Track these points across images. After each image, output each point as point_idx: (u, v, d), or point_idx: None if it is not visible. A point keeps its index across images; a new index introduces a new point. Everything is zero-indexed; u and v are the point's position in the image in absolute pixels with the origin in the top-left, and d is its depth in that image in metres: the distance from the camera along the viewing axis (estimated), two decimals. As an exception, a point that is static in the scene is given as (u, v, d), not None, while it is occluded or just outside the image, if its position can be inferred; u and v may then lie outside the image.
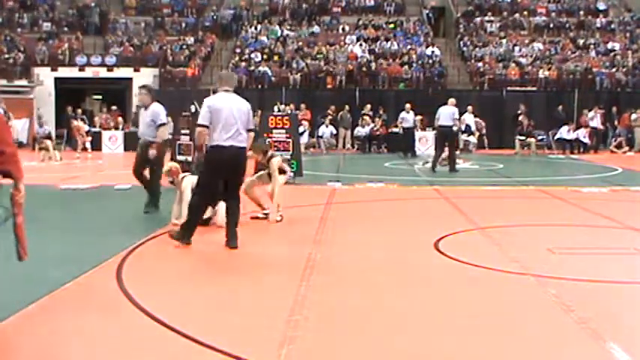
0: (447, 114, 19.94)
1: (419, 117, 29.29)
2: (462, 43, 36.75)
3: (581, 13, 39.60)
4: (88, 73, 33.82)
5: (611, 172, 20.52)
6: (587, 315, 6.02)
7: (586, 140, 29.54)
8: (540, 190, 15.40)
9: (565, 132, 29.63)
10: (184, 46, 35.79)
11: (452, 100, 20.60)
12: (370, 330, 5.71)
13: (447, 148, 20.21)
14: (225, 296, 6.74)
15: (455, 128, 20.63)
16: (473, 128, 29.68)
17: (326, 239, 9.55)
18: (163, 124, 11.77)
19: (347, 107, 30.46)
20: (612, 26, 38.49)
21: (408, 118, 27.79)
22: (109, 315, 6.12)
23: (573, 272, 7.61)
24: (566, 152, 28.99)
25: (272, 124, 16.49)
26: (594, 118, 29.88)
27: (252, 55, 34.26)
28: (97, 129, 30.15)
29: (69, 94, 33.22)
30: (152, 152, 11.43)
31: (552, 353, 5.25)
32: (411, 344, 5.38)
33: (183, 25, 38.54)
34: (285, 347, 5.19)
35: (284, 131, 16.34)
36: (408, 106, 27.91)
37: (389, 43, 35.90)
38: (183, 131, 15.63)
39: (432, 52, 35.15)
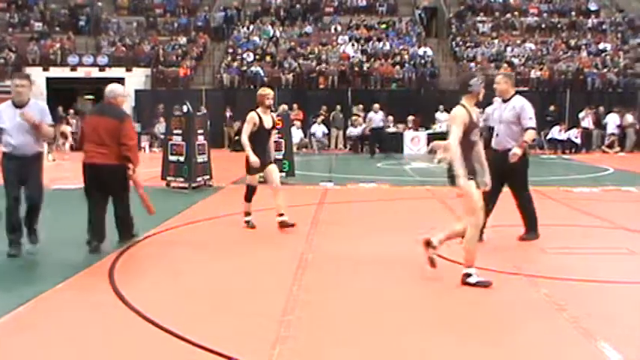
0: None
1: (410, 117, 29.37)
2: (454, 43, 36.77)
3: (573, 13, 39.67)
4: (80, 73, 33.71)
5: (602, 172, 20.57)
6: (579, 314, 6.05)
7: (577, 140, 29.62)
8: (532, 190, 15.38)
9: (557, 132, 29.70)
10: (176, 46, 35.74)
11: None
12: (363, 330, 5.72)
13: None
14: (217, 296, 6.73)
15: None
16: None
17: (318, 239, 9.55)
18: (53, 125, 8.90)
19: (339, 107, 30.49)
20: (604, 27, 38.55)
21: (375, 118, 27.60)
22: (101, 316, 6.11)
23: (565, 272, 7.63)
24: (557, 152, 29.06)
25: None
26: (585, 119, 29.94)
27: (245, 55, 34.24)
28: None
29: (61, 94, 33.08)
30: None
31: (545, 352, 5.27)
32: (403, 343, 5.39)
33: (176, 25, 38.46)
34: (278, 347, 5.20)
35: (276, 131, 16.32)
36: (376, 106, 27.78)
37: (381, 43, 35.89)
38: (175, 131, 15.57)
39: (425, 52, 35.14)
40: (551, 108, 30.84)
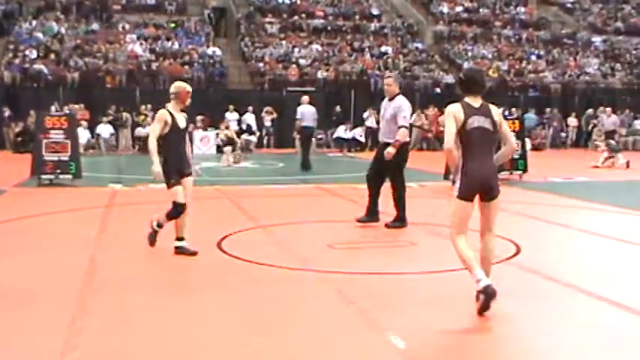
0: (310, 115, 20.28)
1: (200, 117, 29.34)
2: (243, 43, 37.04)
3: (357, 17, 41.09)
4: None
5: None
6: (366, 306, 6.32)
7: (362, 139, 30.74)
8: (319, 188, 15.86)
9: (342, 131, 30.69)
10: (-51, 41, 33.72)
11: (306, 98, 20.74)
12: (157, 332, 5.68)
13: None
14: None
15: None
16: (254, 128, 30.09)
17: (107, 242, 9.38)
18: None
19: (121, 108, 29.86)
20: (385, 31, 40.25)
21: None
22: None
23: (353, 266, 7.93)
24: (343, 151, 30.00)
25: (49, 124, 15.95)
26: (369, 118, 31.10)
27: (27, 52, 32.78)
28: None
29: None
30: None
31: (335, 344, 5.46)
32: (197, 344, 5.40)
33: (-51, 18, 36.24)
34: (69, 355, 5.06)
35: (62, 132, 15.87)
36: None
37: (170, 42, 35.57)
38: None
39: (214, 52, 35.20)
40: (337, 108, 31.86)
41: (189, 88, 8.96)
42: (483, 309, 5.93)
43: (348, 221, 11.26)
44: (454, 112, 6.23)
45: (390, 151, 10.12)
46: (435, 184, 16.39)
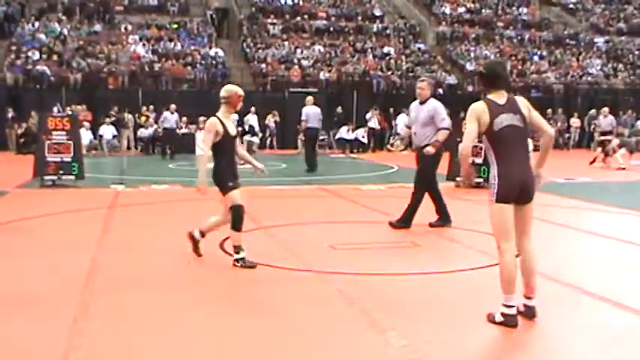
0: (315, 116, 20.26)
1: (202, 118, 29.29)
2: (245, 44, 37.08)
3: (359, 18, 41.14)
4: None
5: (388, 170, 21.44)
6: (368, 306, 6.31)
7: (364, 140, 30.75)
8: (322, 189, 15.85)
9: (345, 132, 30.71)
10: (-48, 42, 33.73)
11: (310, 99, 20.70)
12: (159, 333, 5.68)
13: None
14: (1, 304, 6.46)
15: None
16: (256, 129, 30.08)
17: (110, 243, 9.38)
18: None
19: (124, 109, 29.89)
20: (387, 32, 40.30)
21: (171, 118, 27.29)
22: None
23: (354, 267, 7.93)
24: (346, 151, 30.02)
25: (52, 125, 15.96)
26: (372, 119, 31.13)
27: (30, 54, 32.82)
28: None
29: None
30: None
31: (337, 345, 5.46)
32: (198, 344, 5.41)
33: (-50, 19, 36.24)
34: (72, 354, 5.07)
35: (64, 133, 15.87)
36: (173, 106, 27.40)
37: (172, 43, 35.60)
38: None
39: (216, 52, 35.23)
40: (339, 109, 31.86)
41: (241, 91, 8.44)
42: (491, 322, 5.91)
43: (350, 222, 11.28)
44: (478, 112, 5.79)
45: (430, 150, 10.37)
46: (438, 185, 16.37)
